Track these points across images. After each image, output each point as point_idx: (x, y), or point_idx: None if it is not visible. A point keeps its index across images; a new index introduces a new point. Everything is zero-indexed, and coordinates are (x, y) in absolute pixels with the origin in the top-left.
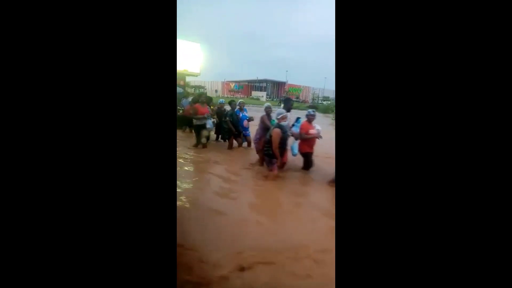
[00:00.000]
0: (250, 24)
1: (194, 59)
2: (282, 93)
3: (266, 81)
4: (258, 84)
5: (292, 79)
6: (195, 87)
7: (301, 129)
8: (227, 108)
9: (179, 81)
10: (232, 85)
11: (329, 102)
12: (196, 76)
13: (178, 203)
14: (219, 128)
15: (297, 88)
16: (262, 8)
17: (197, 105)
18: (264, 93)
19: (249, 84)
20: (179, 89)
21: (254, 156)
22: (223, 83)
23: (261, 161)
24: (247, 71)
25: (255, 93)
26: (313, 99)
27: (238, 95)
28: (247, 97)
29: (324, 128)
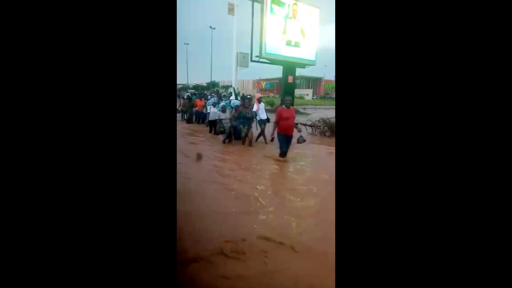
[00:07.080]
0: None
1: (308, 36)
2: (321, 90)
3: (300, 77)
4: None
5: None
6: (225, 87)
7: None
8: None
9: (288, 77)
10: (264, 84)
11: None
12: (304, 67)
13: None
14: None
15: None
16: None
17: None
18: (310, 91)
19: (281, 82)
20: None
21: None
22: (254, 82)
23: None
24: (271, 68)
25: (299, 91)
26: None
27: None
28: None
29: None
